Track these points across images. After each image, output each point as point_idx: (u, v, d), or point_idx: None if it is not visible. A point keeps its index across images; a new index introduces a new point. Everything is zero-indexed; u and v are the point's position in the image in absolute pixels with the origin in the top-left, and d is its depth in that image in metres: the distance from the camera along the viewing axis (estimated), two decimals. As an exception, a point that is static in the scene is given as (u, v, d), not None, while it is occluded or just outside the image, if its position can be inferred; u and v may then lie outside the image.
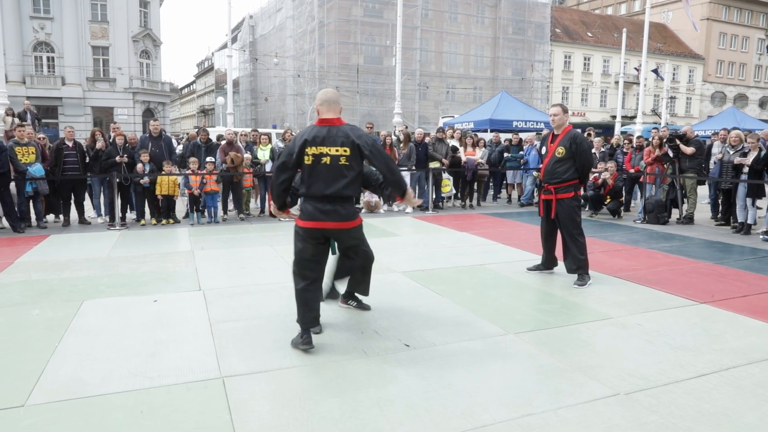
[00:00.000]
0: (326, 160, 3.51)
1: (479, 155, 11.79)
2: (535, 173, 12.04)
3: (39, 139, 9.55)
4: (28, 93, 28.95)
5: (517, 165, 12.33)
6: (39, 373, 3.36)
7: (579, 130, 6.05)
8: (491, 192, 13.34)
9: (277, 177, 3.74)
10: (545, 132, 5.85)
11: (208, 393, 3.10)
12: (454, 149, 11.51)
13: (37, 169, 8.90)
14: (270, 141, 10.87)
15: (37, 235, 8.40)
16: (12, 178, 8.63)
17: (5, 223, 8.80)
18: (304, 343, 3.64)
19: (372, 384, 3.22)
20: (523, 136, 13.13)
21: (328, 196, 3.57)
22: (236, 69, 42.44)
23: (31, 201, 9.09)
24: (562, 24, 48.61)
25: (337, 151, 3.51)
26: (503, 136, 13.61)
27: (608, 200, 10.46)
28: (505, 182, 13.15)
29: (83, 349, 3.73)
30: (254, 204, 11.09)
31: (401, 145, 11.23)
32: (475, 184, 12.06)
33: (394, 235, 8.39)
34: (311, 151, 3.54)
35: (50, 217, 9.62)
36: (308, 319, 3.69)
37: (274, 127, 26.80)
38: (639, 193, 10.95)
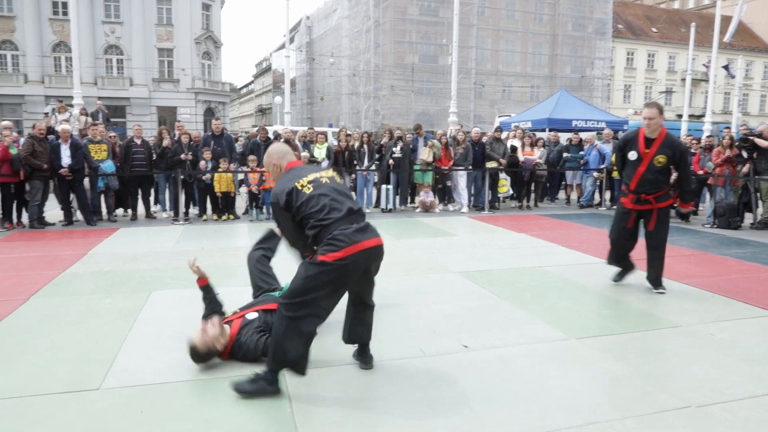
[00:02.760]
0: (326, 180, 3.06)
1: (537, 155, 11.54)
2: (596, 174, 11.68)
3: (110, 137, 10.05)
4: (99, 93, 30.44)
5: (576, 165, 11.99)
6: (112, 359, 3.53)
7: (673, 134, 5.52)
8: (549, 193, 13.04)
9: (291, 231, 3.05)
10: (629, 133, 5.46)
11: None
12: (514, 149, 11.32)
13: (109, 166, 9.37)
14: (326, 139, 11.01)
15: (107, 228, 8.84)
16: (86, 174, 9.13)
17: (79, 216, 9.31)
18: (276, 390, 3.02)
19: (430, 384, 3.20)
20: (583, 135, 12.76)
21: (356, 212, 2.99)
22: (293, 69, 43.26)
23: (102, 195, 9.59)
24: (624, 19, 46.91)
25: (327, 173, 3.15)
26: (562, 136, 13.28)
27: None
28: (564, 183, 12.81)
29: (151, 338, 3.90)
30: (310, 201, 11.25)
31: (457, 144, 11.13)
32: (533, 184, 11.81)
33: (450, 235, 8.33)
34: (304, 181, 2.99)
35: (119, 211, 10.10)
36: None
37: (330, 125, 27.16)
38: (708, 196, 10.42)
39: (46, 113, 14.70)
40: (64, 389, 3.10)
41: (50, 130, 10.01)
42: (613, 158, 5.57)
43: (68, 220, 9.10)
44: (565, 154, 12.09)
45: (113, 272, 5.84)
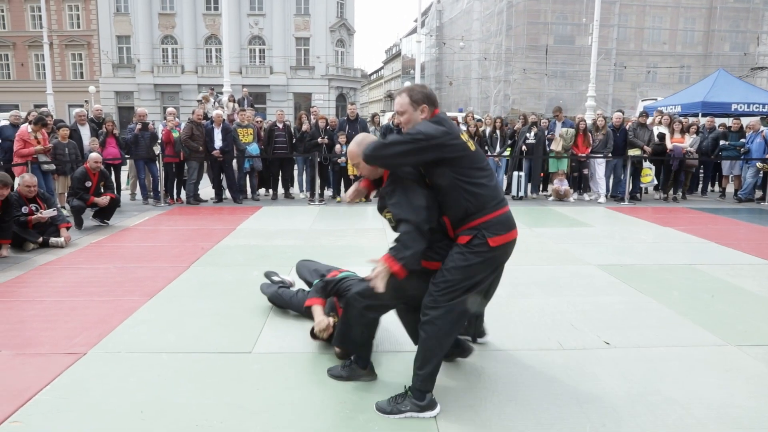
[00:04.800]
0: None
1: (688, 142, 10.50)
2: (759, 164, 10.41)
3: (257, 121, 10.80)
4: (243, 81, 32.81)
5: (736, 154, 10.74)
6: (261, 326, 3.83)
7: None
8: (700, 184, 11.85)
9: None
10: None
11: (405, 365, 3.23)
12: (662, 137, 10.39)
13: (254, 148, 10.10)
14: (458, 124, 10.91)
15: (251, 206, 9.56)
16: (234, 156, 9.92)
17: (228, 194, 10.17)
18: (369, 374, 3.07)
19: (570, 378, 3.08)
20: (744, 121, 11.39)
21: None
22: (423, 54, 43.40)
23: (247, 176, 10.38)
24: (801, -13, 40.78)
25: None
26: (718, 121, 11.96)
27: None
28: (718, 174, 11.56)
29: (295, 310, 4.15)
30: (439, 186, 11.27)
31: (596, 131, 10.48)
32: (682, 174, 10.79)
33: (587, 226, 7.90)
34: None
35: (261, 190, 10.87)
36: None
37: (461, 110, 26.90)
38: None
39: (199, 100, 16.17)
40: (221, 350, 3.43)
41: (205, 115, 10.99)
42: None
43: (218, 197, 9.98)
44: (721, 142, 10.89)
45: (258, 246, 6.32)
